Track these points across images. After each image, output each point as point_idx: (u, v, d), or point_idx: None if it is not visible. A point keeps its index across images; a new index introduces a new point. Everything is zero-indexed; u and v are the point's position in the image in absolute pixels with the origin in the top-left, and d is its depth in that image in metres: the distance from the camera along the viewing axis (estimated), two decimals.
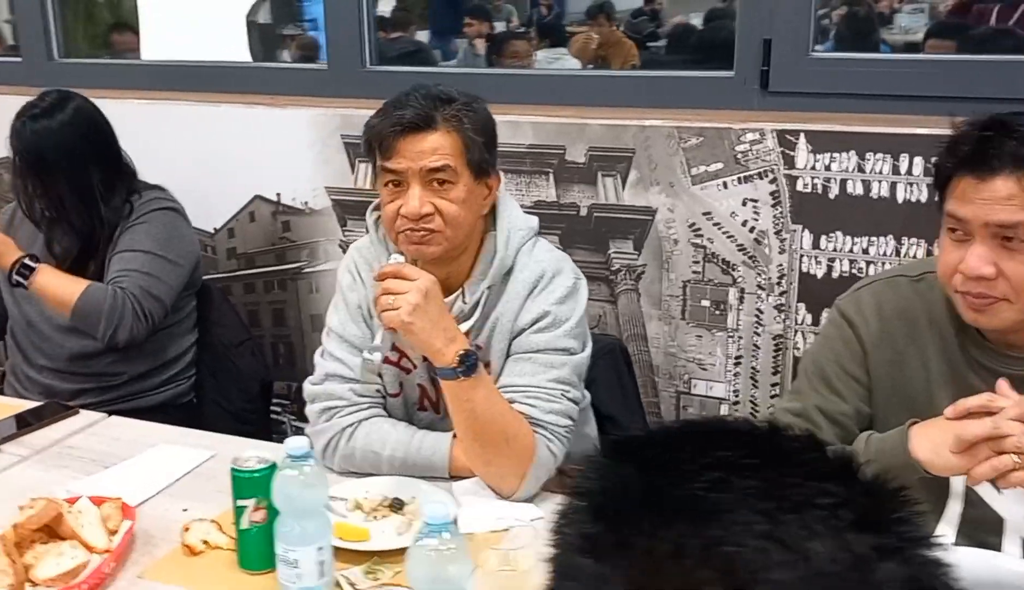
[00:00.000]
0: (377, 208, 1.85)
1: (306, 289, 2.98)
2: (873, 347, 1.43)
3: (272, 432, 2.78)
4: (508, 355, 1.71)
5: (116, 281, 2.25)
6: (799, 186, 2.34)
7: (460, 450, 1.73)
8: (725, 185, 2.40)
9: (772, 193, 2.37)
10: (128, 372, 2.39)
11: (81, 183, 2.30)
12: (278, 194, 2.92)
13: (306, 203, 2.90)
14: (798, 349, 2.44)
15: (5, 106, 3.23)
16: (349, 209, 2.84)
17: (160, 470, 1.79)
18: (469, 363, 1.59)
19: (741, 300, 2.46)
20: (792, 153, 2.33)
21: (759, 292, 2.44)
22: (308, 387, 1.81)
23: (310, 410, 1.79)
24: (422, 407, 1.85)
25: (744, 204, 2.40)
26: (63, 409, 2.06)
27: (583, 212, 2.57)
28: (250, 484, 1.44)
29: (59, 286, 2.22)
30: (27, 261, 2.22)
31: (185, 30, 3.14)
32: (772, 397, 2.49)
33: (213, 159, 2.94)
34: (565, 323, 1.70)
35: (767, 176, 2.36)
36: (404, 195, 1.67)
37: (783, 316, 2.43)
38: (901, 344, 1.43)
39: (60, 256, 2.38)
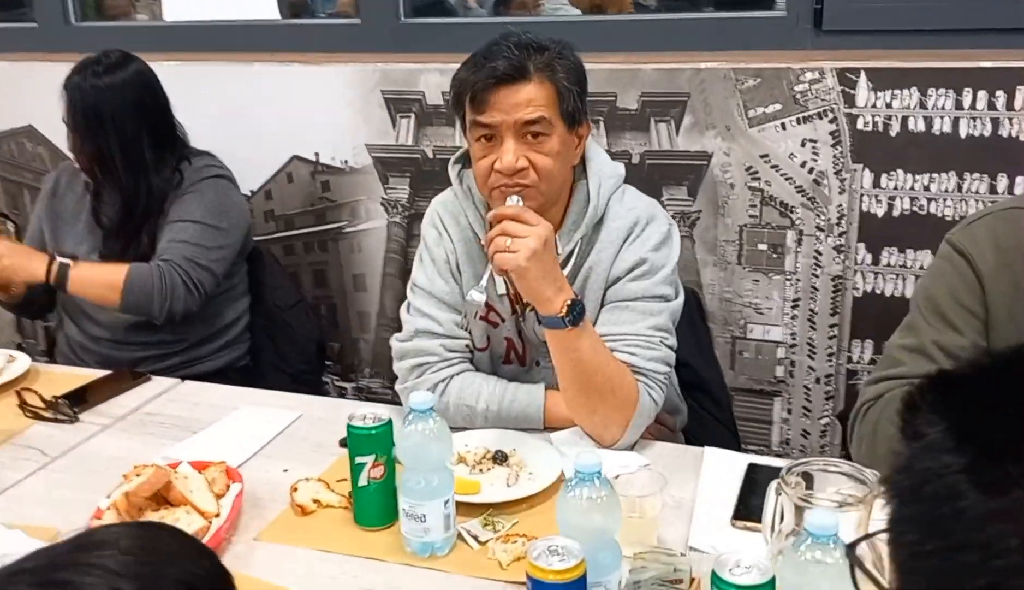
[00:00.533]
0: (459, 160, 1.82)
1: (348, 249, 2.94)
2: (991, 279, 1.42)
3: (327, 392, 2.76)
4: (602, 304, 1.69)
5: (164, 253, 2.20)
6: (859, 125, 2.32)
7: (554, 401, 1.71)
8: (783, 126, 2.38)
9: (832, 133, 2.35)
10: (187, 339, 2.35)
11: (133, 147, 2.25)
12: (316, 154, 2.88)
13: (346, 162, 2.85)
14: (857, 290, 2.43)
15: (22, 74, 3.17)
16: (391, 166, 2.80)
17: (250, 433, 1.77)
18: (576, 312, 1.57)
19: (799, 242, 2.44)
20: (852, 92, 2.31)
21: (818, 234, 2.42)
22: (397, 344, 1.78)
23: (400, 367, 1.77)
24: (507, 360, 1.83)
25: (803, 145, 2.37)
26: (136, 376, 2.02)
27: (635, 159, 2.54)
28: (368, 441, 1.42)
29: (101, 277, 2.18)
30: (60, 260, 2.17)
31: None
32: (830, 339, 2.48)
33: (247, 121, 2.88)
34: (661, 270, 1.68)
35: (826, 116, 2.34)
36: (497, 149, 1.63)
37: (842, 257, 2.42)
38: (1019, 275, 1.42)
39: (106, 226, 2.33)
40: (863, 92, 2.30)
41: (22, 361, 2.05)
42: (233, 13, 3.13)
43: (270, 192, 2.95)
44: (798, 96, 2.35)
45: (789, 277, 2.47)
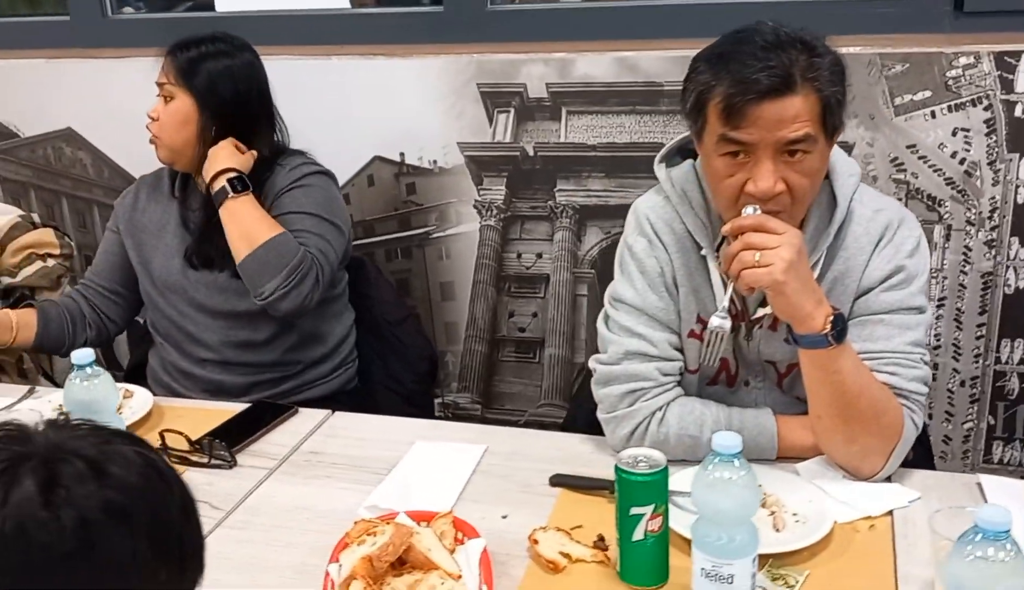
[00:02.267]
0: (665, 159, 1.64)
1: (435, 255, 2.74)
2: None
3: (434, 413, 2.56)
4: (850, 316, 1.52)
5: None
6: (1017, 112, 2.19)
7: (788, 428, 1.55)
8: (933, 114, 2.23)
9: (986, 121, 2.21)
10: (302, 360, 2.14)
11: (241, 136, 2.03)
12: (401, 154, 2.66)
13: (434, 162, 2.64)
14: (1008, 286, 2.30)
15: (58, 72, 2.90)
16: (486, 166, 2.61)
17: (442, 473, 1.57)
18: (840, 327, 1.40)
19: (947, 238, 2.30)
20: (1011, 77, 2.17)
21: (968, 228, 2.29)
22: (602, 367, 1.59)
23: (607, 393, 1.58)
24: (713, 381, 1.66)
25: (954, 134, 2.23)
26: (281, 409, 1.81)
27: None
28: (646, 489, 1.24)
29: (255, 218, 1.94)
30: (237, 176, 1.95)
31: None
32: (978, 339, 2.35)
33: (324, 119, 2.65)
34: (917, 278, 1.51)
35: (981, 103, 2.20)
36: (748, 168, 1.42)
37: (994, 252, 2.28)
38: None
39: (194, 229, 2.10)
40: (1023, 77, 2.16)
41: (143, 396, 1.83)
42: (288, 2, 2.89)
43: (348, 196, 2.73)
44: (950, 82, 2.20)
45: (935, 274, 2.33)
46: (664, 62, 2.38)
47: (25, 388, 1.97)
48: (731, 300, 1.50)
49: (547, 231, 2.62)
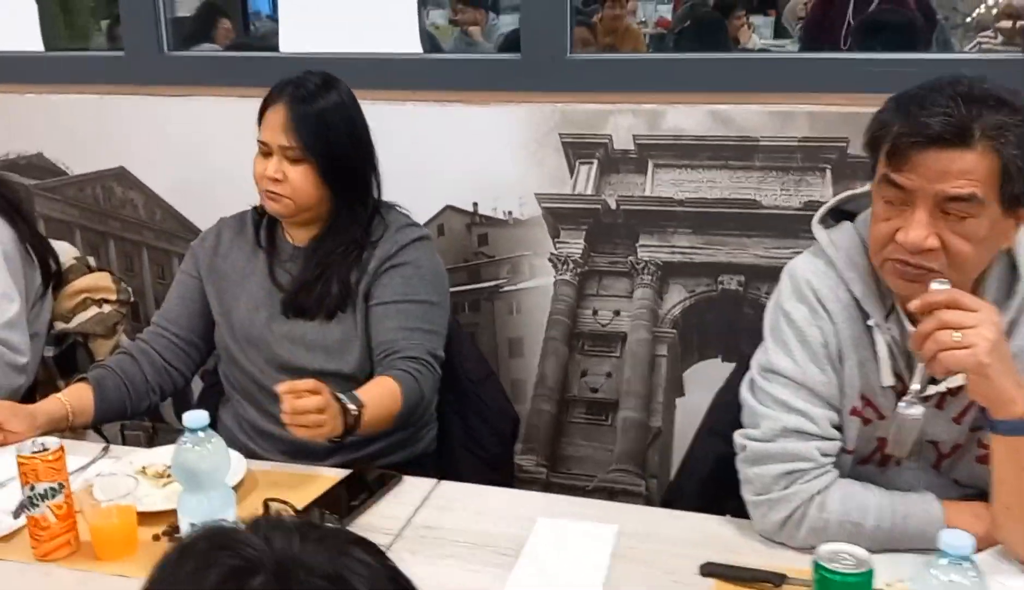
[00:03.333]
0: (824, 220, 1.53)
1: (504, 310, 2.62)
2: None
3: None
4: None
5: (407, 348, 1.87)
6: None
7: (957, 512, 1.42)
8: None
9: None
10: None
11: (342, 184, 1.91)
12: (475, 204, 2.56)
13: (509, 213, 2.54)
14: None
15: (112, 109, 2.79)
16: (564, 218, 2.50)
17: (578, 555, 1.44)
18: None
19: None
20: None
21: None
22: (755, 445, 1.47)
23: (759, 473, 1.46)
24: (865, 461, 1.54)
25: None
26: (385, 476, 1.67)
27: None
28: None
29: (381, 407, 1.78)
30: (352, 409, 1.70)
31: (335, 18, 2.73)
32: None
33: (394, 166, 2.52)
34: None
35: None
36: (905, 217, 1.33)
37: None
38: None
39: (286, 286, 1.98)
40: None
41: (236, 460, 1.68)
42: (353, 45, 2.80)
43: None
44: None
45: None
46: (761, 116, 2.29)
47: (97, 446, 1.82)
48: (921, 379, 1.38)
49: (626, 288, 2.50)
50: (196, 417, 1.35)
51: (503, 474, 2.21)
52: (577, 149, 2.44)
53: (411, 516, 1.56)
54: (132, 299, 2.53)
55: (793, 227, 2.33)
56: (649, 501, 2.62)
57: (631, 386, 2.57)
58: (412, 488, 1.65)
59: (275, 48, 4.48)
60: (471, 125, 2.50)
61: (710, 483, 1.92)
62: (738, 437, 1.50)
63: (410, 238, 1.98)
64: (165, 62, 2.85)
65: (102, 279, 2.44)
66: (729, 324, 2.45)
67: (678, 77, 2.41)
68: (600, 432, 2.63)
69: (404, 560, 1.41)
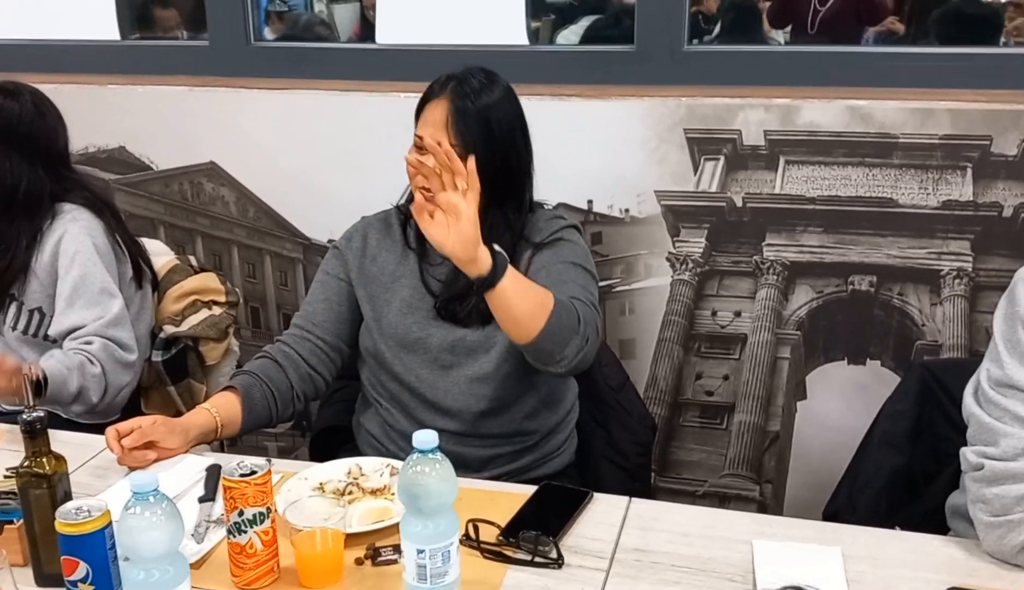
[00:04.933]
0: None
1: (617, 310, 2.54)
2: None
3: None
4: None
5: (559, 290, 1.77)
6: None
7: None
8: None
9: None
10: (539, 430, 1.93)
11: (498, 185, 1.83)
12: (589, 201, 2.48)
13: (627, 210, 2.46)
14: None
15: (202, 101, 2.69)
16: (684, 216, 2.42)
17: (815, 580, 1.36)
18: None
19: None
20: None
21: None
22: (995, 464, 1.40)
23: (999, 493, 1.39)
24: None
25: None
26: (578, 493, 1.59)
27: (1007, 212, 2.22)
28: None
29: (532, 291, 1.66)
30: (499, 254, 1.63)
31: (434, 8, 2.63)
32: None
33: None
34: None
35: None
36: None
37: None
38: None
39: (438, 290, 1.90)
40: None
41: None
42: (452, 37, 2.70)
43: None
44: None
45: None
46: (901, 113, 2.22)
47: (204, 458, 1.73)
48: None
49: (749, 288, 2.43)
50: (144, 480, 1.22)
51: (643, 484, 2.14)
52: (703, 145, 2.36)
53: (617, 538, 1.48)
54: (240, 301, 2.44)
55: (930, 226, 2.27)
56: (763, 507, 2.56)
57: (749, 389, 2.50)
58: (605, 507, 1.57)
59: (322, 39, 4.38)
60: (588, 120, 2.42)
61: (883, 496, 1.86)
62: (971, 455, 1.43)
63: (561, 226, 1.90)
64: (253, 53, 2.76)
65: (210, 280, 2.35)
66: (858, 326, 2.38)
67: (806, 71, 2.34)
68: (713, 436, 2.56)
69: (627, 586, 1.35)
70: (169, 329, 2.26)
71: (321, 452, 2.08)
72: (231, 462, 1.36)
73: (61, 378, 1.96)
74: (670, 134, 2.37)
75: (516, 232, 1.87)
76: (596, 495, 1.60)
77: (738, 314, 2.46)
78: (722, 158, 2.36)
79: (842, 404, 2.44)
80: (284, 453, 2.91)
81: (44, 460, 1.33)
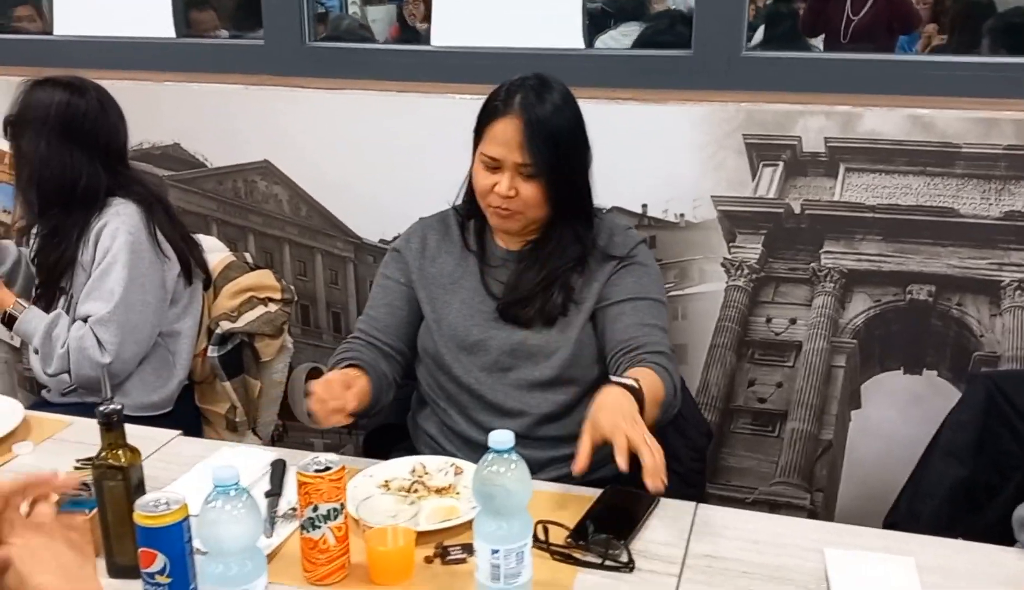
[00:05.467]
0: None
1: (669, 315, 2.50)
2: None
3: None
4: None
5: (652, 344, 1.78)
6: None
7: None
8: None
9: None
10: None
11: (566, 195, 1.82)
12: (644, 205, 2.46)
13: (682, 215, 2.44)
14: None
15: (258, 100, 2.70)
16: (741, 222, 2.41)
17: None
18: None
19: None
20: None
21: None
22: None
23: None
24: None
25: None
26: (644, 497, 1.58)
27: None
28: None
29: (654, 390, 1.67)
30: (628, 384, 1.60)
31: (489, 9, 2.63)
32: None
33: None
34: None
35: None
36: None
37: None
38: None
39: (500, 292, 1.89)
40: None
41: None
42: (507, 39, 2.69)
43: None
44: None
45: None
46: (964, 123, 2.19)
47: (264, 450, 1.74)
48: None
49: (805, 295, 2.41)
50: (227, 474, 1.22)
51: (698, 490, 2.12)
52: (762, 151, 2.35)
53: (687, 543, 1.47)
54: (295, 298, 2.45)
55: (992, 237, 2.24)
56: (813, 516, 2.53)
57: (802, 397, 2.48)
58: (671, 512, 1.56)
59: (362, 39, 4.38)
60: (644, 124, 2.41)
61: (945, 506, 1.84)
62: None
63: (636, 240, 1.91)
64: (307, 53, 2.76)
65: (266, 277, 2.37)
66: (915, 336, 2.36)
67: (867, 79, 2.32)
68: (765, 444, 2.54)
69: None
70: (225, 325, 2.27)
71: (375, 450, 2.08)
72: (304, 458, 1.36)
73: (34, 325, 2.10)
74: (728, 139, 2.35)
75: (587, 245, 1.86)
76: (662, 500, 1.59)
77: (793, 321, 2.44)
78: (781, 164, 2.34)
79: (897, 414, 2.42)
80: (330, 450, 2.90)
81: (120, 452, 1.33)
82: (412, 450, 2.00)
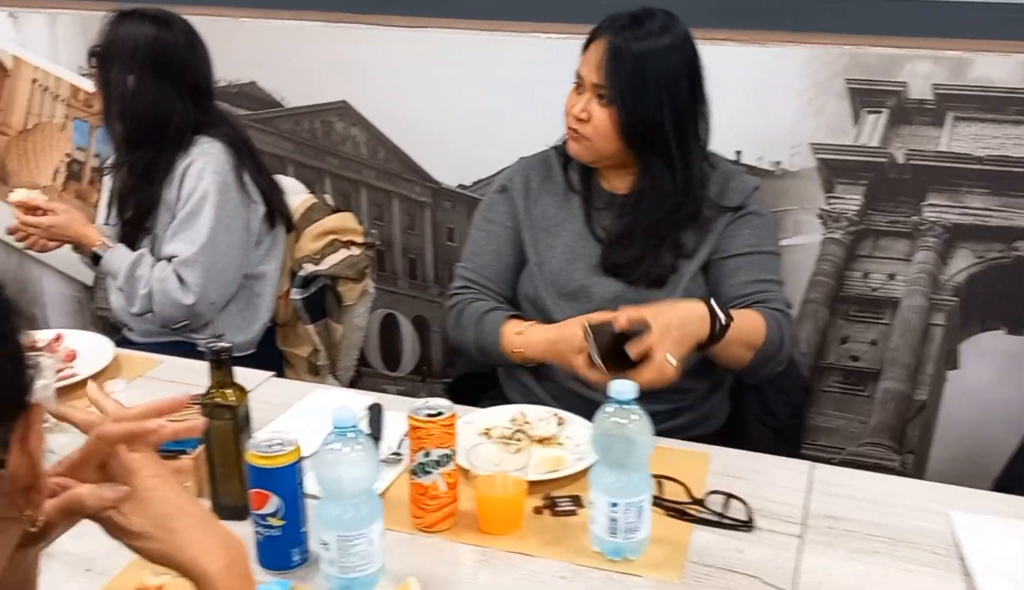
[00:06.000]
0: None
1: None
2: None
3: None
4: None
5: (769, 299, 1.72)
6: None
7: None
8: None
9: None
10: (698, 388, 1.86)
11: (644, 142, 1.74)
12: (738, 152, 2.37)
13: (778, 163, 2.35)
14: None
15: (337, 39, 2.63)
16: (840, 171, 2.31)
17: None
18: None
19: None
20: None
21: None
22: None
23: None
24: None
25: None
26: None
27: None
28: None
29: (746, 331, 1.65)
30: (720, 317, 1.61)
31: None
32: None
33: None
34: None
35: None
36: None
37: None
38: None
39: (605, 238, 1.82)
40: None
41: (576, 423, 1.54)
42: None
43: None
44: None
45: None
46: None
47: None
48: None
49: (905, 250, 2.32)
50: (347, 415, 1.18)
51: (793, 447, 2.05)
52: (865, 97, 2.24)
53: (805, 503, 1.41)
54: (376, 242, 2.41)
55: None
56: (903, 476, 2.45)
57: (897, 355, 2.39)
58: (786, 471, 1.50)
59: None
60: (740, 66, 2.31)
61: None
62: None
63: (751, 186, 1.82)
64: None
65: (348, 220, 2.32)
66: (1020, 294, 2.26)
67: (990, 23, 2.20)
68: (856, 403, 2.46)
69: (829, 556, 1.28)
70: (309, 267, 2.23)
71: (461, 398, 2.03)
72: (415, 402, 1.31)
73: (117, 263, 2.07)
74: (830, 84, 2.25)
75: (697, 197, 1.78)
76: (775, 458, 1.52)
77: (891, 277, 2.35)
78: (885, 111, 2.24)
79: (997, 376, 2.33)
80: (404, 397, 2.88)
81: (228, 391, 1.29)
82: (502, 399, 1.95)
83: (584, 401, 1.80)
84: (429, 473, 1.29)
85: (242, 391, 1.31)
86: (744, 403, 2.01)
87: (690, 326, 1.54)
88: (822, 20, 2.30)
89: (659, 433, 1.76)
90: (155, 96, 2.01)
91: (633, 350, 1.47)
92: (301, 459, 1.20)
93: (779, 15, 2.34)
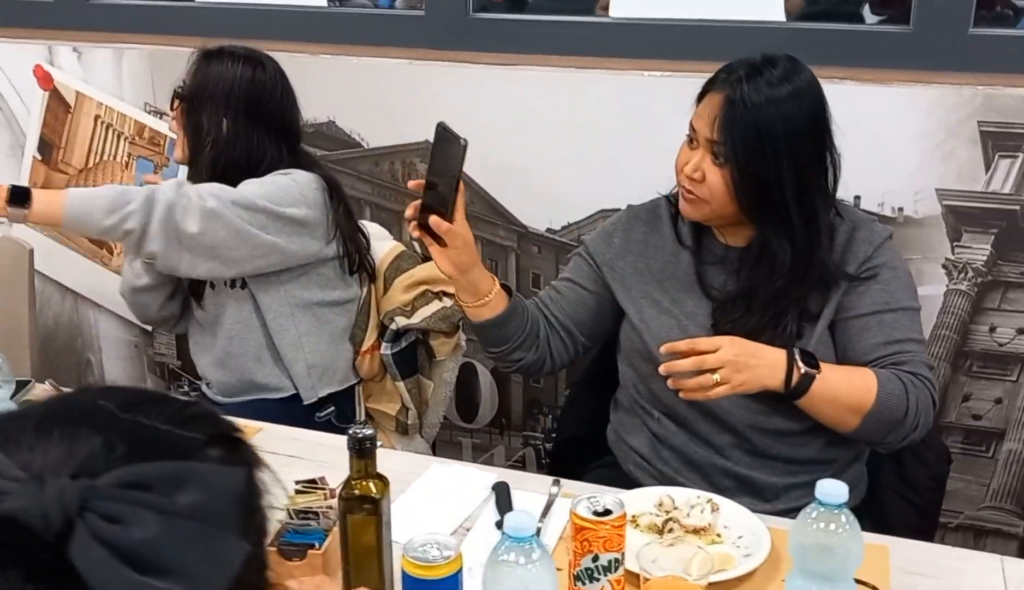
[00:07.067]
0: None
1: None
2: None
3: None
4: None
5: (899, 355, 1.58)
6: None
7: None
8: None
9: None
10: (840, 458, 1.71)
11: (758, 202, 1.59)
12: (856, 197, 2.21)
13: (900, 209, 2.19)
14: None
15: (422, 76, 2.50)
16: (970, 219, 2.15)
17: None
18: None
19: None
20: None
21: None
22: None
23: None
24: None
25: None
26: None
27: None
28: None
29: (847, 385, 1.56)
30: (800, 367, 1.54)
31: None
32: None
33: None
34: None
35: None
36: None
37: None
38: None
39: (719, 295, 1.67)
40: None
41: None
42: (699, 9, 2.45)
43: None
44: None
45: None
46: None
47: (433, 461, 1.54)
48: None
49: None
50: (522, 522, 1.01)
51: (931, 523, 1.89)
52: (999, 140, 2.09)
53: None
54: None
55: None
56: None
57: None
58: (972, 566, 1.33)
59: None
60: (860, 106, 2.15)
61: None
62: None
63: (882, 237, 1.67)
64: (471, 25, 2.55)
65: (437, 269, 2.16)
66: None
67: None
68: (977, 464, 2.29)
69: None
70: (400, 320, 2.09)
71: (565, 465, 1.89)
72: (579, 497, 1.16)
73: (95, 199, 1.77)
74: (960, 127, 2.10)
75: (801, 251, 1.61)
76: (960, 551, 1.36)
77: (1021, 331, 2.18)
78: (1021, 156, 2.08)
79: None
80: (479, 450, 2.74)
81: (370, 483, 1.14)
82: (617, 468, 1.80)
83: (707, 469, 1.66)
84: (597, 580, 1.13)
85: (384, 482, 1.16)
86: (879, 474, 1.85)
87: (761, 361, 1.51)
88: (944, 59, 2.15)
89: (798, 509, 1.61)
90: (250, 140, 1.88)
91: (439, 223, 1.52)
92: (461, 569, 1.04)
93: (896, 53, 2.19)
